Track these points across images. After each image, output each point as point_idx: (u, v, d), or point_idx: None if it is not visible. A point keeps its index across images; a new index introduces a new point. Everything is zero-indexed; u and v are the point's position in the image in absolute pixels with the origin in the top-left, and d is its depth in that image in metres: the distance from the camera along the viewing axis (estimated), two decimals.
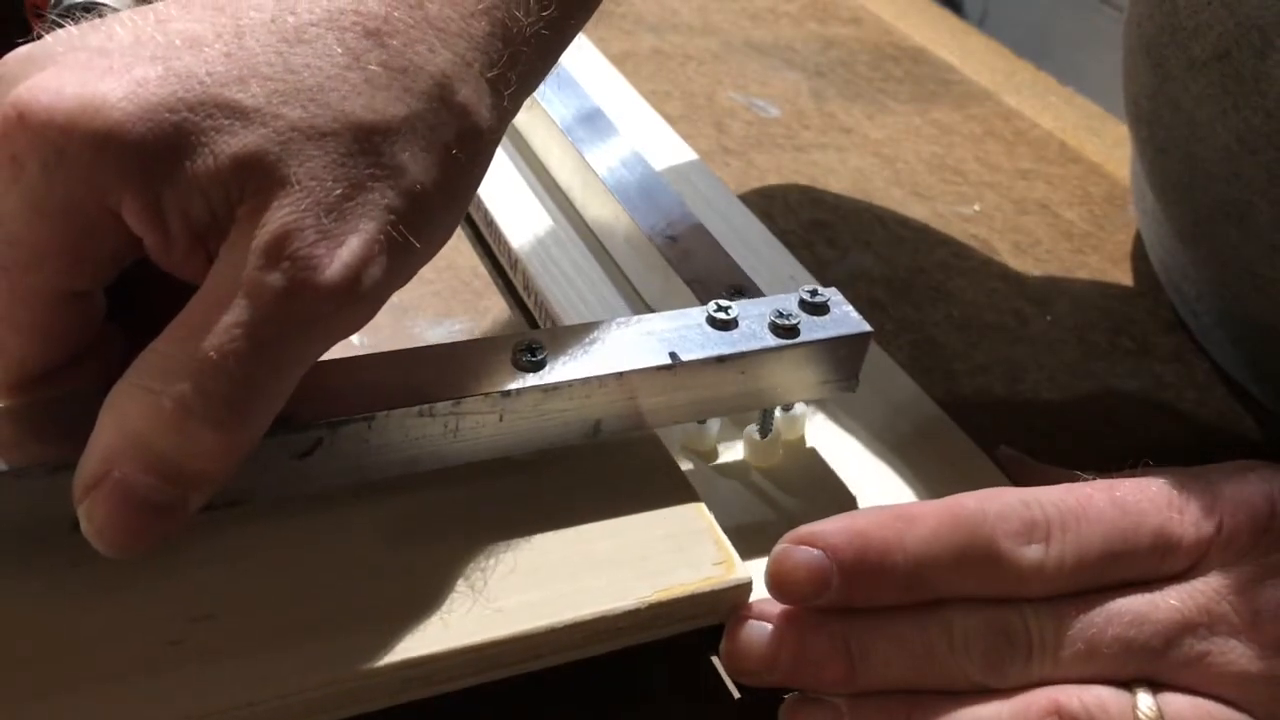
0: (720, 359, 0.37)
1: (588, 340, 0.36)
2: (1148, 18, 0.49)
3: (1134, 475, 0.35)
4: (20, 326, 0.30)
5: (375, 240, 0.29)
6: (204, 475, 0.28)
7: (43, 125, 0.27)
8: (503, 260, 0.51)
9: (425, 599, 0.32)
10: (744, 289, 0.42)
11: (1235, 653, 0.31)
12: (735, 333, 0.38)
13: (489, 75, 0.32)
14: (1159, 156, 0.51)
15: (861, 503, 0.40)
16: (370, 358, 0.35)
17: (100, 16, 0.54)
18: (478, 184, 0.34)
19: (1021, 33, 0.98)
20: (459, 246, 0.52)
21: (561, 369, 0.35)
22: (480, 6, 0.32)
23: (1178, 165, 0.50)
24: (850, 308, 0.40)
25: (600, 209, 0.49)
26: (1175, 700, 0.31)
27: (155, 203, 0.28)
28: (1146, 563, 0.32)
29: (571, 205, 0.51)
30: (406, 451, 0.34)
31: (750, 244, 0.51)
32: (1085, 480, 0.41)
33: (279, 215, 0.28)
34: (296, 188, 0.28)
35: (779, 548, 0.33)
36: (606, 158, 0.50)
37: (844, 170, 0.64)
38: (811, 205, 0.60)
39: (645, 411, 0.37)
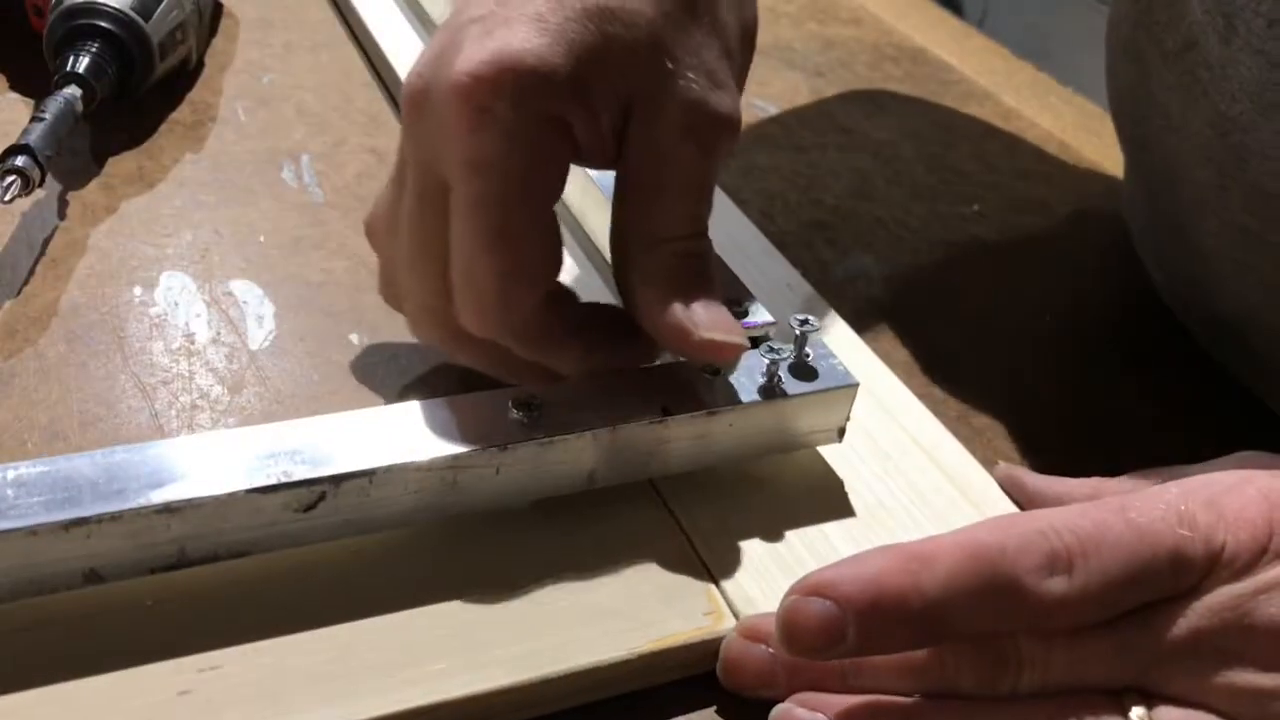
0: (710, 412, 0.38)
1: (582, 393, 0.38)
2: (1125, 17, 0.50)
3: (1134, 479, 0.35)
4: (532, 239, 0.36)
5: (737, 86, 0.39)
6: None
7: (496, 76, 0.34)
8: None
9: (422, 650, 0.33)
10: (742, 300, 0.42)
11: (1229, 668, 0.31)
12: (726, 386, 0.39)
13: None
14: (1141, 152, 0.52)
15: (856, 508, 0.40)
16: (371, 412, 0.36)
17: (100, 15, 0.54)
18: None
19: (1021, 33, 0.98)
20: None
21: (557, 422, 0.36)
22: None
23: (1158, 159, 0.51)
24: (838, 360, 0.41)
25: (599, 217, 0.49)
26: (1168, 714, 0.31)
27: (591, 105, 0.36)
28: (1163, 584, 0.32)
29: (570, 212, 0.51)
30: (407, 504, 0.35)
31: (747, 252, 0.51)
32: (1085, 481, 0.41)
33: (680, 93, 0.36)
34: (682, 65, 0.36)
35: (789, 599, 0.31)
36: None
37: (844, 170, 0.64)
38: (811, 205, 0.60)
39: (639, 463, 0.38)
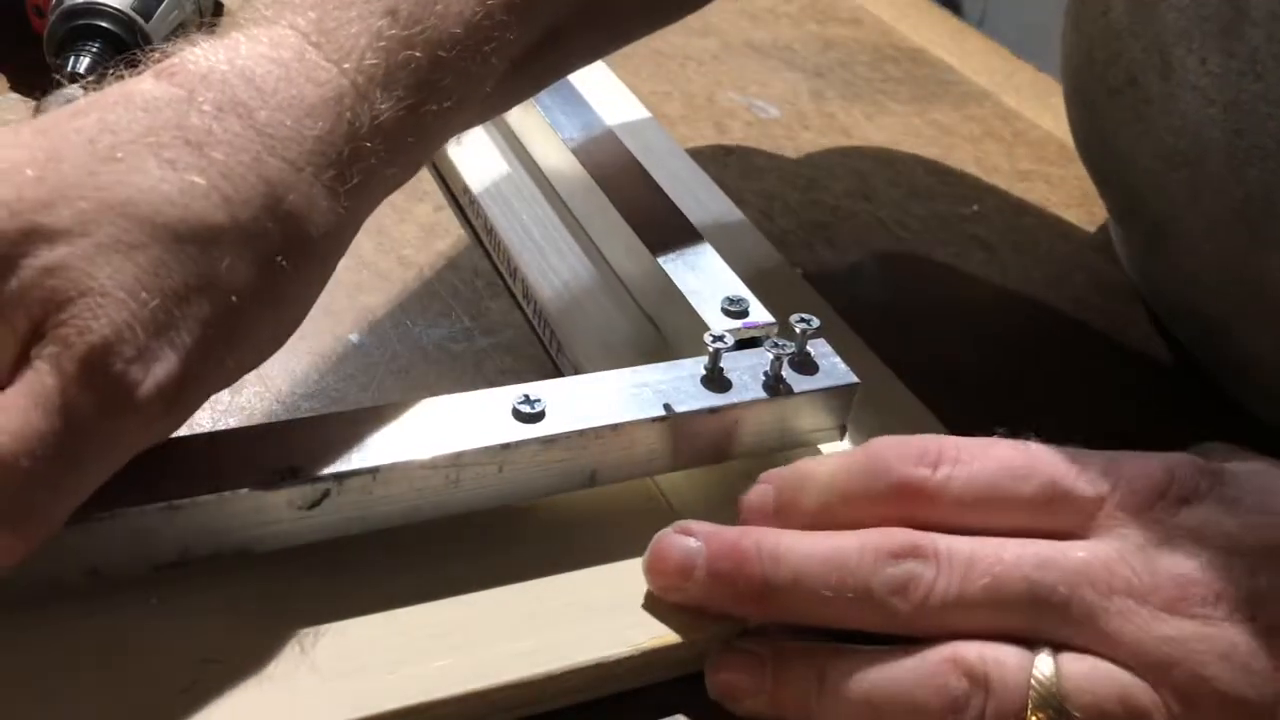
0: (712, 410, 0.38)
1: (585, 391, 0.38)
2: (1070, 57, 0.52)
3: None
4: None
5: (189, 355, 0.29)
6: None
7: None
8: (501, 268, 0.51)
9: (424, 647, 0.33)
10: (742, 301, 0.42)
11: (1133, 613, 0.32)
12: (727, 384, 0.39)
13: (324, 178, 0.32)
14: (1104, 188, 0.54)
15: None
16: (374, 410, 0.36)
17: (100, 15, 0.54)
18: (314, 288, 0.33)
19: (1021, 33, 0.98)
20: (460, 247, 0.52)
21: (559, 420, 0.36)
22: (316, 104, 0.31)
23: (1118, 193, 0.52)
24: (838, 359, 0.41)
25: (600, 219, 0.49)
26: (1073, 662, 0.32)
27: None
28: (1035, 508, 0.33)
29: (572, 214, 0.51)
30: (409, 502, 0.35)
31: (747, 252, 0.52)
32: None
33: (94, 330, 0.28)
34: (107, 301, 0.28)
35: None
36: (606, 167, 0.50)
37: (844, 170, 0.64)
38: (811, 205, 0.60)
39: (640, 461, 0.38)
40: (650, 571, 0.35)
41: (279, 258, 0.31)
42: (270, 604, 0.34)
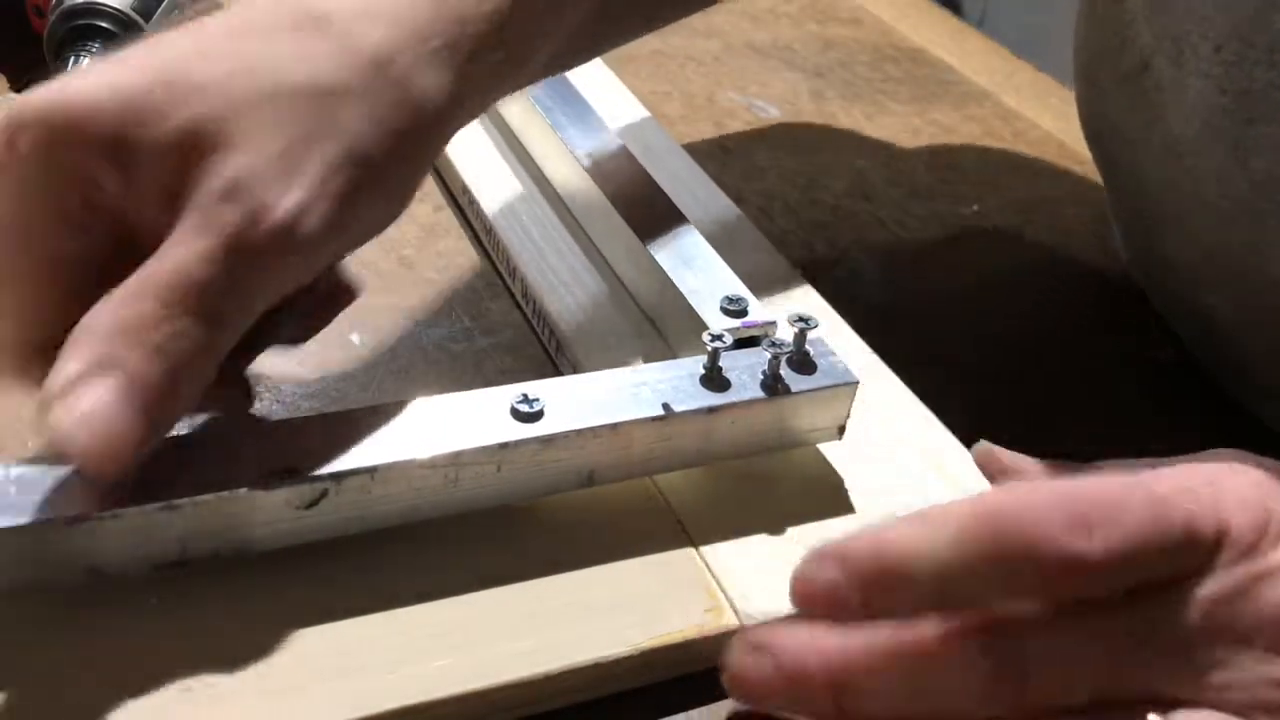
0: (711, 409, 0.38)
1: (583, 391, 0.38)
2: (1084, 44, 0.51)
3: (1113, 466, 0.35)
4: (21, 283, 0.33)
5: (317, 188, 0.33)
6: (185, 372, 0.31)
7: (24, 119, 0.32)
8: (501, 268, 0.51)
9: (424, 646, 0.33)
10: (741, 300, 0.42)
11: (1239, 659, 0.31)
12: (726, 384, 0.39)
13: (431, 46, 0.35)
14: (1109, 176, 0.53)
15: (856, 505, 0.40)
16: (373, 410, 0.36)
17: (100, 15, 0.54)
18: (425, 158, 0.37)
19: (1021, 33, 0.98)
20: (460, 247, 0.52)
21: (558, 420, 0.36)
22: None
23: (1124, 182, 0.52)
24: (837, 357, 0.41)
25: (599, 218, 0.49)
26: (1184, 717, 0.30)
27: (125, 168, 0.32)
28: (1179, 557, 0.30)
29: (571, 215, 0.51)
30: (408, 501, 0.35)
31: (747, 252, 0.51)
32: (1062, 465, 0.40)
33: (231, 167, 0.32)
34: (244, 144, 0.32)
35: (800, 564, 0.29)
36: (606, 167, 0.50)
37: (844, 170, 0.64)
38: (811, 205, 0.60)
39: (639, 460, 0.38)
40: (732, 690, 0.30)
41: (395, 118, 0.34)
42: (270, 604, 0.34)
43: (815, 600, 0.29)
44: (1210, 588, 0.31)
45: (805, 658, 0.29)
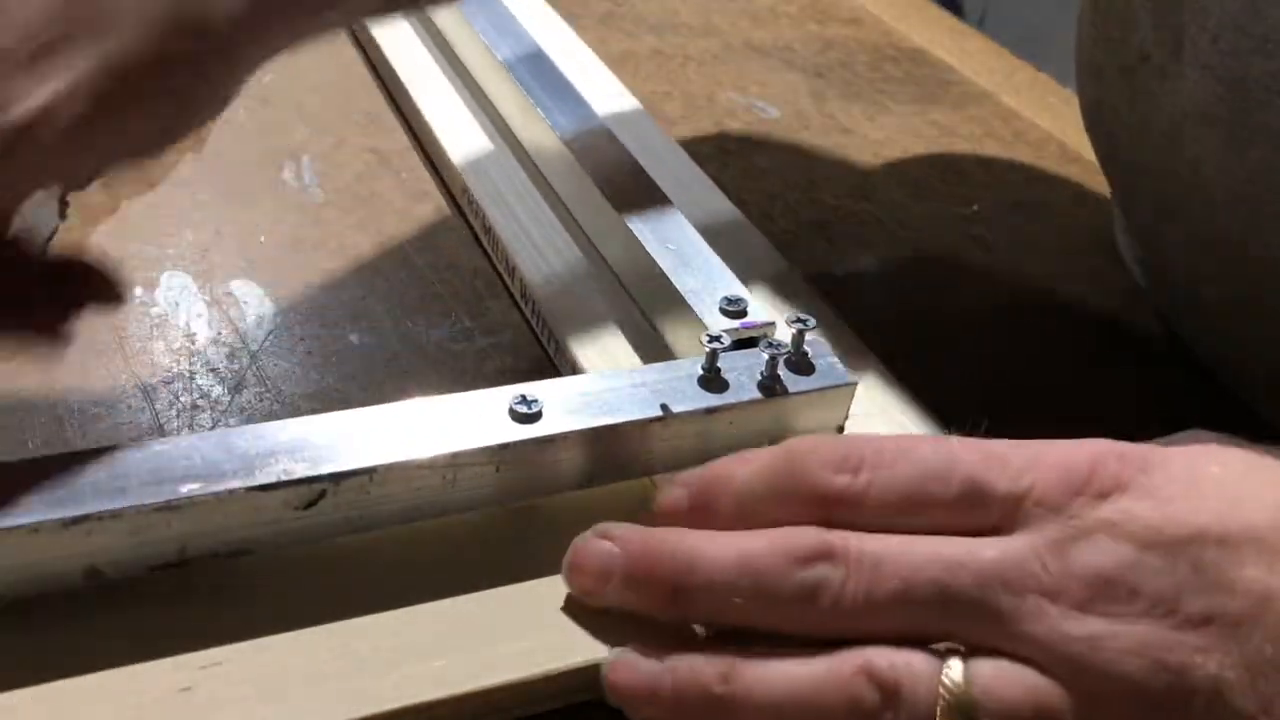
0: (709, 410, 0.38)
1: (582, 392, 0.38)
2: (1087, 36, 0.51)
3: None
4: None
5: (64, 91, 0.31)
6: None
7: None
8: (500, 267, 0.51)
9: (422, 646, 0.33)
10: (740, 300, 0.42)
11: (1044, 613, 0.31)
12: (725, 385, 0.39)
13: None
14: (1110, 169, 0.53)
15: None
16: (372, 410, 0.36)
17: None
18: (205, 79, 0.34)
19: (1021, 33, 0.98)
20: (460, 247, 0.52)
21: (556, 421, 0.36)
22: None
23: (1124, 174, 0.52)
24: (835, 359, 0.41)
25: (599, 219, 0.49)
26: (983, 666, 0.31)
27: None
28: (956, 508, 0.32)
29: (570, 215, 0.51)
30: (407, 502, 0.35)
31: (747, 252, 0.51)
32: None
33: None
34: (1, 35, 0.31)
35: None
36: (605, 167, 0.50)
37: (844, 170, 0.64)
38: (811, 205, 0.60)
39: (638, 461, 0.38)
40: (569, 577, 0.34)
41: (174, 30, 0.32)
42: (269, 604, 0.34)
43: (665, 512, 0.35)
44: (1017, 542, 0.32)
45: (650, 543, 0.34)
